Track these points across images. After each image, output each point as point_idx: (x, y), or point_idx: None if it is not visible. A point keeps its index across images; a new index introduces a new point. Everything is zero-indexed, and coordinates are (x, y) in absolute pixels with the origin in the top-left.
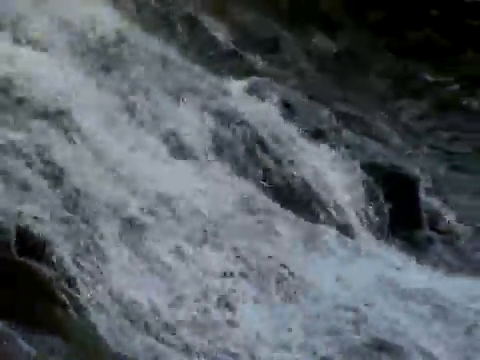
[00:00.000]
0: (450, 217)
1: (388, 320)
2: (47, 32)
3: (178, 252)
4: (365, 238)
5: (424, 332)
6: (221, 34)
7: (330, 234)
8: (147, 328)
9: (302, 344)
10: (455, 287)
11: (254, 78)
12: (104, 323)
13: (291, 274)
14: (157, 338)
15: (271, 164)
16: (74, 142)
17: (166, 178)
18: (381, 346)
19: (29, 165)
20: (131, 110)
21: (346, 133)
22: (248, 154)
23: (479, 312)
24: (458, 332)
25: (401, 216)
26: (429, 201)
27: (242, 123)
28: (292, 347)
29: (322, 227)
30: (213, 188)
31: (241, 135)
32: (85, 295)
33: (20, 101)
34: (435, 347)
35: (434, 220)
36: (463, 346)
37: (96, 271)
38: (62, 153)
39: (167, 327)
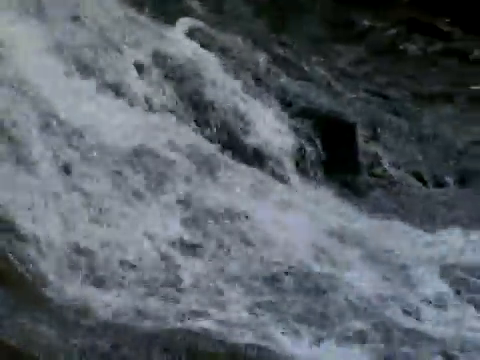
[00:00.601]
0: (387, 162)
1: (325, 264)
2: None
3: (122, 198)
4: (303, 183)
5: (360, 275)
6: None
7: (268, 180)
8: (91, 276)
9: (236, 285)
10: (391, 231)
11: (193, 23)
12: (49, 272)
13: (232, 219)
14: (100, 286)
15: (210, 111)
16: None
17: (109, 127)
18: (317, 288)
19: None
20: (75, 62)
21: (283, 78)
22: (189, 102)
23: (414, 256)
24: (393, 276)
25: (338, 161)
26: (366, 146)
27: (182, 69)
28: (224, 290)
29: (261, 173)
30: (156, 135)
31: (182, 82)
32: (28, 245)
33: None
34: (370, 290)
35: (371, 165)
36: (397, 290)
37: (39, 220)
38: None
39: (112, 275)
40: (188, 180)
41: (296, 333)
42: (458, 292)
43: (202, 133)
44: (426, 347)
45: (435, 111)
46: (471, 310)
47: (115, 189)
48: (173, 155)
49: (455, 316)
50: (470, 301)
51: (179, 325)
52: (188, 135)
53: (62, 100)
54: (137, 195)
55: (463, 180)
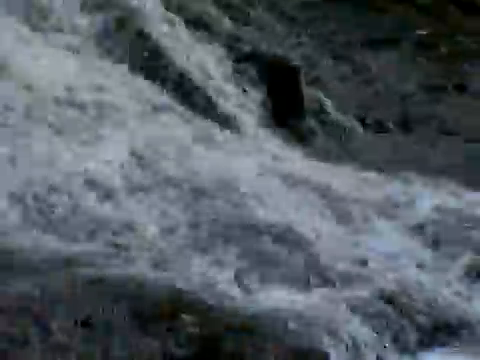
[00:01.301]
0: (331, 107)
1: (275, 210)
2: None
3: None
4: (248, 129)
5: (309, 220)
6: None
7: (215, 126)
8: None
9: (179, 231)
10: (336, 176)
11: None
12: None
13: (180, 165)
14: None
15: (155, 58)
16: None
17: (58, 72)
18: (269, 231)
19: None
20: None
21: (227, 22)
22: (135, 47)
23: (360, 201)
24: (341, 221)
25: (284, 106)
26: (312, 91)
27: (127, 12)
28: (167, 236)
29: (207, 119)
30: (105, 83)
31: (126, 28)
32: None
33: None
34: (319, 235)
35: (315, 110)
36: (345, 236)
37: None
38: None
39: (64, 221)
40: (134, 124)
41: (240, 278)
42: (403, 233)
43: (148, 79)
44: (365, 288)
45: (380, 56)
46: (412, 249)
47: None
48: (118, 100)
49: (400, 259)
50: (418, 241)
51: (122, 272)
52: (133, 81)
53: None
54: (79, 137)
55: (406, 125)
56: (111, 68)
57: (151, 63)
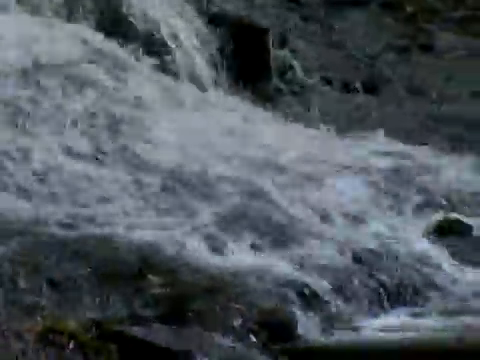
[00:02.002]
0: (298, 67)
1: (239, 170)
2: None
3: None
4: (215, 90)
5: (273, 180)
6: None
7: (181, 86)
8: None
9: (142, 191)
10: (303, 136)
11: None
12: None
13: (147, 129)
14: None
15: (122, 19)
16: None
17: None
18: (235, 192)
19: None
20: None
21: None
22: (100, 6)
23: (325, 161)
24: (306, 181)
25: (251, 67)
26: (277, 52)
27: None
28: (130, 196)
29: (173, 80)
30: (66, 42)
31: None
32: None
33: None
34: (284, 194)
35: (282, 70)
36: (310, 195)
37: None
38: None
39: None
40: (98, 85)
41: (206, 238)
42: (372, 194)
43: (112, 37)
44: (331, 247)
45: (347, 17)
46: (384, 209)
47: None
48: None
49: (364, 218)
50: (383, 201)
51: (89, 231)
52: (101, 42)
53: None
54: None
55: (373, 86)
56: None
57: (117, 22)
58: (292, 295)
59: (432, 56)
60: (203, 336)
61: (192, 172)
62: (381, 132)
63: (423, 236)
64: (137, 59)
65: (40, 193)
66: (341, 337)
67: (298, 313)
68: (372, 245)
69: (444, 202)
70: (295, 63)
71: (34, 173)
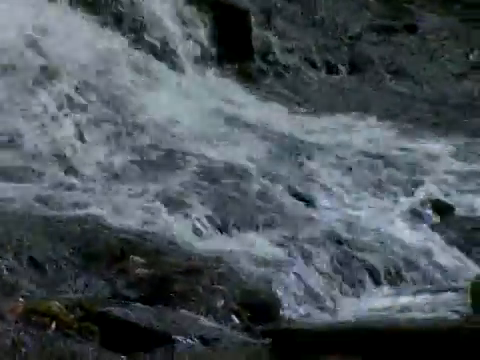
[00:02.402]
0: (281, 49)
1: (222, 151)
2: None
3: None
4: (196, 70)
5: (255, 161)
6: None
7: (161, 67)
8: None
9: (127, 172)
10: (285, 117)
11: None
12: None
13: (131, 114)
14: None
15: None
16: None
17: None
18: (218, 174)
19: None
20: None
21: None
22: None
23: (311, 143)
24: (293, 163)
25: (232, 47)
26: (260, 32)
27: None
28: (116, 178)
29: (154, 61)
30: (56, 27)
31: None
32: None
33: None
34: (267, 176)
35: (265, 51)
36: (300, 176)
37: None
38: None
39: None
40: (85, 69)
41: (186, 216)
42: (353, 176)
43: (90, 15)
44: (314, 228)
45: None
46: (365, 191)
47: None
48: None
49: (346, 200)
50: (364, 183)
51: (72, 212)
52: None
53: None
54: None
55: (355, 66)
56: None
57: (97, 2)
58: (275, 276)
59: (415, 37)
60: (186, 317)
61: (173, 153)
62: (362, 114)
63: (406, 216)
64: (119, 40)
65: (22, 172)
66: (324, 318)
67: (281, 294)
68: (354, 227)
69: (426, 182)
70: (277, 44)
71: (16, 152)
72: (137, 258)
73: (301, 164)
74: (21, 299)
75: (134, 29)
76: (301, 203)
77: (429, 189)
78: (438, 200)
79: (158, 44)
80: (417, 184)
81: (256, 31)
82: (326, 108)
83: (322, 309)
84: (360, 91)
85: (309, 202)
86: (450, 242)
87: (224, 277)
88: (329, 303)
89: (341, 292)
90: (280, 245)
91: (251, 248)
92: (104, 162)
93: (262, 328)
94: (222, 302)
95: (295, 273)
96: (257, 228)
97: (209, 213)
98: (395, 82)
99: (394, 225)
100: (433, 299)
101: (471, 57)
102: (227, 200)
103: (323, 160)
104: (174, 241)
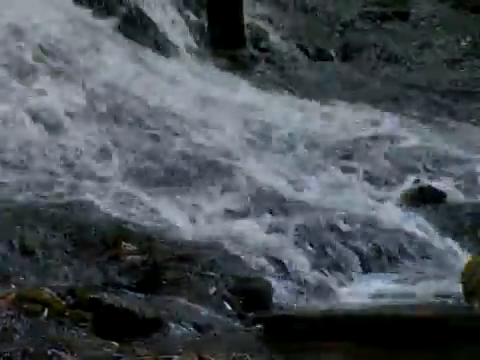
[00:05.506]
0: (274, 36)
1: (214, 138)
2: None
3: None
4: (190, 58)
5: (247, 149)
6: None
7: (155, 55)
8: None
9: (117, 158)
10: (276, 103)
11: None
12: None
13: (125, 97)
14: None
15: None
16: None
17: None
18: (209, 161)
19: None
20: None
21: None
22: None
23: (296, 129)
24: (281, 148)
25: (225, 35)
26: (252, 20)
27: None
28: (105, 166)
29: (147, 48)
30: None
31: None
32: None
33: None
34: (259, 164)
35: (258, 39)
36: (286, 161)
37: None
38: None
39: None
40: (81, 53)
41: (178, 203)
42: (345, 163)
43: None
44: (306, 215)
45: None
46: (358, 178)
47: None
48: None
49: (335, 185)
50: (357, 169)
51: (64, 200)
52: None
53: None
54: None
55: (347, 53)
56: None
57: None
58: (267, 263)
59: (407, 24)
60: (178, 304)
61: (166, 141)
62: (351, 99)
63: (397, 204)
64: (113, 29)
65: (13, 161)
66: (316, 304)
67: (273, 281)
68: (347, 213)
69: (418, 169)
70: (269, 30)
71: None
72: (129, 245)
73: (290, 150)
74: (13, 286)
75: (124, 12)
76: (293, 189)
77: (420, 176)
78: (429, 186)
79: (150, 31)
80: (408, 171)
81: (248, 17)
82: (318, 94)
83: (315, 295)
84: (351, 77)
85: (301, 188)
86: (441, 228)
87: (216, 264)
88: (322, 289)
89: (334, 278)
90: (272, 232)
91: (244, 235)
92: (94, 148)
93: (254, 315)
94: (214, 289)
95: (287, 260)
96: (249, 214)
97: (202, 200)
98: (386, 68)
99: (386, 212)
100: (425, 286)
101: (463, 44)
102: (219, 188)
103: (312, 147)
104: (167, 228)
